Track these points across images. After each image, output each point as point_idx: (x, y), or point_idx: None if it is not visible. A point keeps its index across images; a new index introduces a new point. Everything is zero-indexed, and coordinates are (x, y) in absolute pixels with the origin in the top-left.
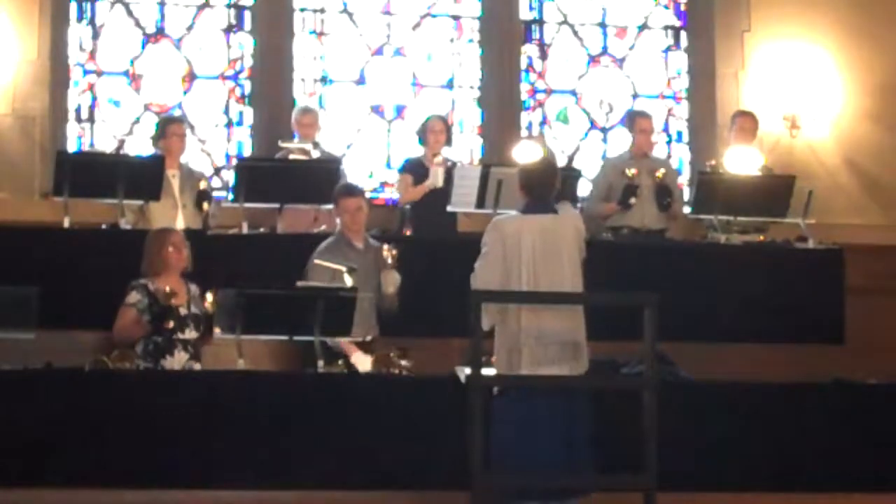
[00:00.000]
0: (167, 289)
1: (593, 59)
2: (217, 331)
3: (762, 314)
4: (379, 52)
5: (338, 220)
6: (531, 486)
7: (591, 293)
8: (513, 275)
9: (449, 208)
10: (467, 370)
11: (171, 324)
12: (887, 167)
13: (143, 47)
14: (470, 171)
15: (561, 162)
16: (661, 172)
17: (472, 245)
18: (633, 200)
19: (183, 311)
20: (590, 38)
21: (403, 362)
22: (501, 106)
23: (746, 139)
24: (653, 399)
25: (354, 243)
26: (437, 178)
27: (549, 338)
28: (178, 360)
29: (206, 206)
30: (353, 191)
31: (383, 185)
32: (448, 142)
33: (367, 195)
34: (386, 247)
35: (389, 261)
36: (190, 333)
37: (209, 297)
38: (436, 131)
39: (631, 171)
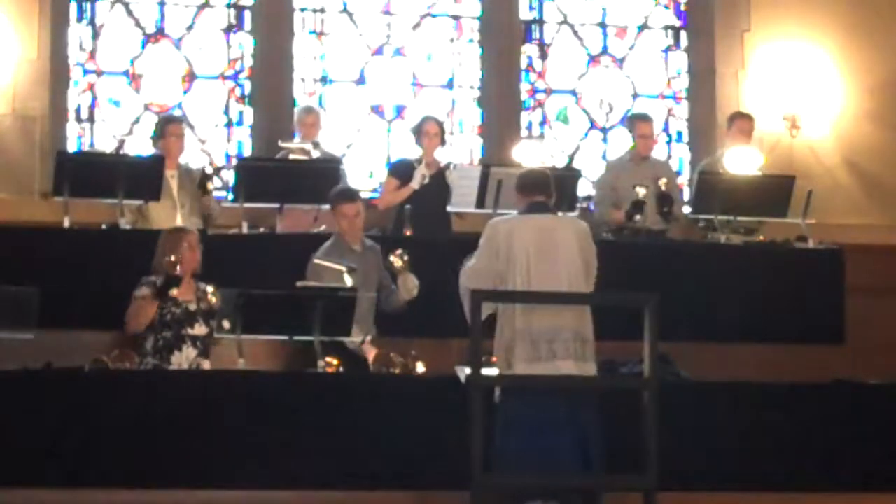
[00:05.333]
0: (172, 258)
1: (593, 59)
2: (226, 324)
3: (762, 314)
4: (379, 52)
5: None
6: (533, 487)
7: (591, 293)
8: (507, 274)
9: (449, 208)
10: (467, 370)
11: (175, 291)
12: (887, 167)
13: (143, 47)
14: (470, 171)
15: (561, 162)
16: (663, 182)
17: (472, 246)
18: (638, 217)
19: (192, 307)
20: (590, 38)
21: (419, 364)
22: (501, 106)
23: (743, 140)
24: (653, 399)
25: (353, 247)
26: (415, 179)
27: (542, 335)
28: (186, 356)
29: (209, 185)
30: (352, 196)
31: (382, 186)
32: (442, 143)
33: (367, 195)
34: (394, 253)
35: (399, 265)
36: (199, 329)
37: (210, 289)
38: (430, 134)
39: (641, 192)
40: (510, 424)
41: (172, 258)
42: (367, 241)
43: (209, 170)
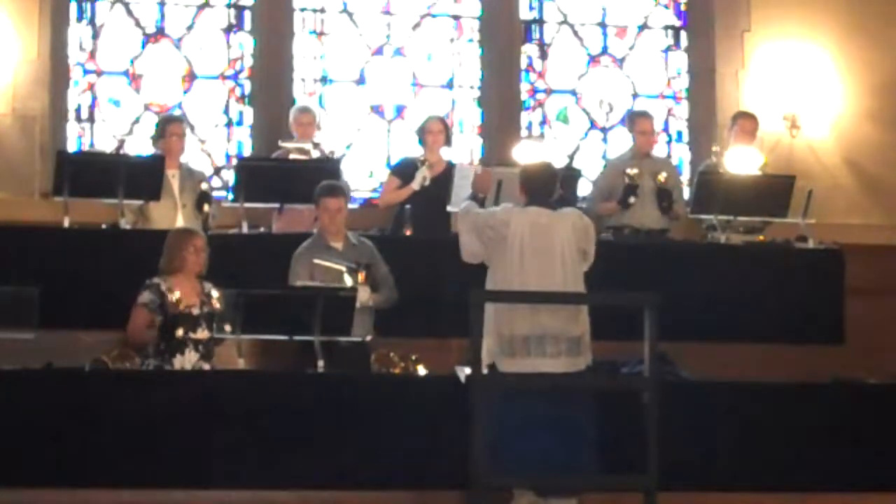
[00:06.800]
0: (177, 298)
1: (593, 59)
2: (227, 328)
3: (762, 314)
4: (379, 52)
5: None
6: (530, 485)
7: (591, 293)
8: (497, 256)
9: (449, 208)
10: (467, 370)
11: (180, 332)
12: (887, 167)
13: (143, 47)
14: (470, 171)
15: (561, 162)
16: (662, 176)
17: None
18: (632, 200)
19: (196, 311)
20: (590, 38)
21: (419, 367)
22: (501, 106)
23: (746, 140)
24: (653, 399)
25: (332, 244)
26: (416, 181)
27: (515, 329)
28: (188, 359)
29: (206, 207)
30: (335, 191)
31: (383, 185)
32: (447, 142)
33: (368, 195)
34: (362, 273)
35: (358, 282)
36: (202, 333)
37: (215, 294)
38: (434, 132)
39: (633, 171)
40: (501, 422)
41: (182, 305)
42: (354, 238)
43: (208, 184)
